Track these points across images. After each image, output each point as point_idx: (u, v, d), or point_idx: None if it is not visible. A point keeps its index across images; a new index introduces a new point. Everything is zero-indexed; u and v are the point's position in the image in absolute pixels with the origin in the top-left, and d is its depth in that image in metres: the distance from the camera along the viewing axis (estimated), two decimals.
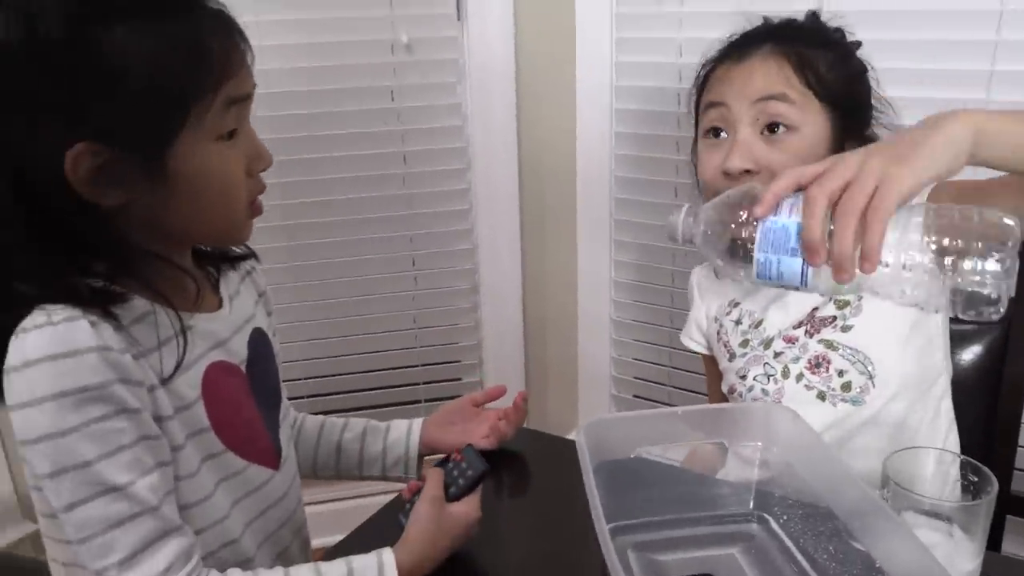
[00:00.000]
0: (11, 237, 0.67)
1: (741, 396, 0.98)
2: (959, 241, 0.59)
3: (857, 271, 0.61)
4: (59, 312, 0.64)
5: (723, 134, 0.96)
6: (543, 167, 1.75)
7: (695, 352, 1.12)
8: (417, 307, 1.80)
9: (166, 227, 0.72)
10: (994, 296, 0.58)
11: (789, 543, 0.78)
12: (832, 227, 0.61)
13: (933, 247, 0.60)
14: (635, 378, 1.83)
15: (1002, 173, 0.74)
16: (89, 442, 0.65)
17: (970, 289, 0.59)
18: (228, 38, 0.70)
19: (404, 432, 0.99)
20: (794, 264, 0.62)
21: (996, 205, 0.70)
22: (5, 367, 0.65)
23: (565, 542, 0.86)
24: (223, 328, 0.81)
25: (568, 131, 1.71)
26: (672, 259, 1.68)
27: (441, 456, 0.89)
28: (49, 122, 0.64)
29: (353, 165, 1.67)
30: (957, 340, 1.07)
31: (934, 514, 0.71)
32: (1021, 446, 1.14)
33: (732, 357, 1.01)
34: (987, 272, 0.58)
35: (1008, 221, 0.60)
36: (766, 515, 0.81)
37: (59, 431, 0.64)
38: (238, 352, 0.82)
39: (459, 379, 1.88)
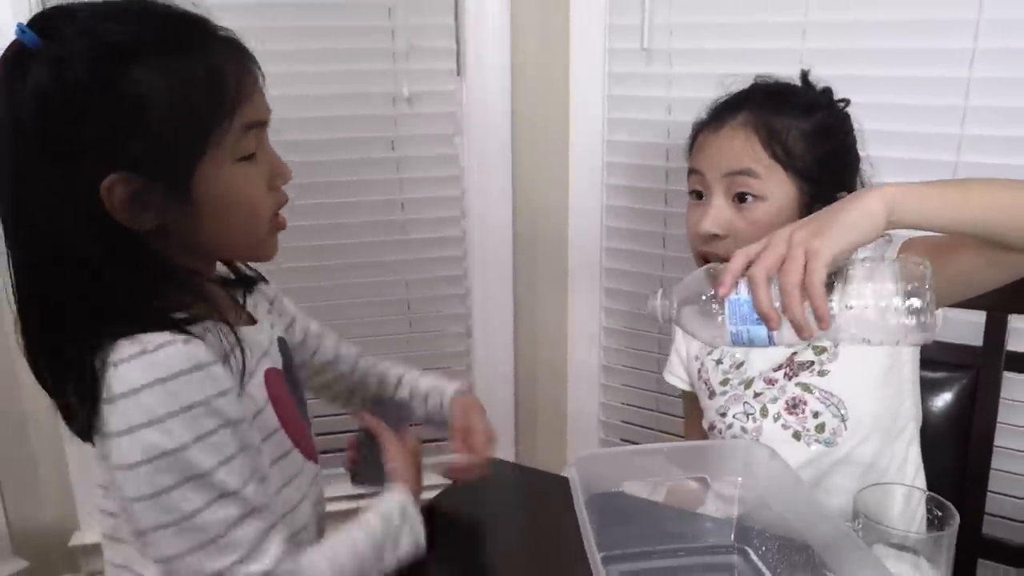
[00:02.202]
0: (79, 275, 0.72)
1: (721, 433, 1.04)
2: (894, 284, 0.69)
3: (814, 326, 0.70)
4: (151, 339, 0.70)
5: (702, 196, 1.04)
6: (537, 216, 1.82)
7: (676, 387, 1.17)
8: (411, 350, 1.85)
9: (200, 246, 0.79)
10: (928, 323, 0.69)
11: (768, 573, 0.82)
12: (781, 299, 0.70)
13: (872, 293, 0.70)
14: (623, 422, 1.88)
15: None
16: (207, 453, 0.71)
17: (907, 320, 0.69)
18: (240, 64, 0.76)
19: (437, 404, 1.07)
20: (760, 330, 0.71)
21: (960, 256, 0.78)
22: (107, 397, 0.69)
23: (555, 570, 0.90)
24: (264, 339, 0.88)
25: (561, 182, 1.78)
26: None
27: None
28: (83, 159, 0.70)
29: (354, 211, 1.73)
30: (928, 388, 1.12)
31: (901, 546, 0.76)
32: (991, 491, 1.19)
33: (712, 395, 1.06)
34: (916, 305, 0.68)
35: (921, 264, 0.70)
36: (746, 547, 0.86)
37: (180, 446, 0.70)
38: (277, 360, 0.89)
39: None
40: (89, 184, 0.70)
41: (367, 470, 0.96)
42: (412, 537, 0.87)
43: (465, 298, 1.85)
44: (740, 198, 1.00)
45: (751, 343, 0.72)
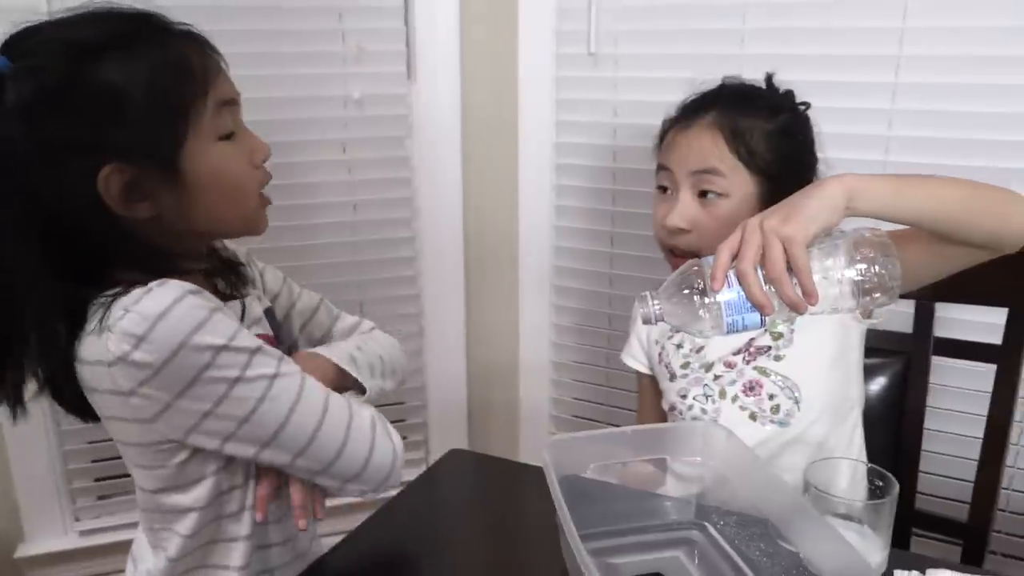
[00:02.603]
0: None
1: (681, 413, 1.09)
2: (859, 254, 0.77)
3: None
4: (150, 285, 0.75)
5: (669, 190, 1.10)
6: (487, 217, 1.86)
7: (633, 370, 1.23)
8: None
9: (193, 229, 0.83)
10: (895, 285, 0.77)
11: (725, 545, 0.88)
12: (771, 286, 0.76)
13: (849, 268, 0.77)
14: (573, 416, 1.93)
15: None
16: (248, 337, 0.78)
17: (882, 284, 0.76)
18: (202, 50, 0.82)
19: None
20: (754, 316, 0.78)
21: (909, 249, 0.85)
22: (140, 333, 0.73)
23: (524, 551, 0.94)
24: (256, 308, 0.94)
25: (510, 183, 1.83)
26: (609, 303, 1.80)
27: None
28: (75, 156, 0.75)
29: (306, 213, 1.74)
30: (865, 373, 1.20)
31: (847, 516, 0.82)
32: (922, 471, 1.28)
33: (673, 377, 1.12)
34: (892, 272, 0.76)
35: (878, 232, 0.78)
36: (705, 523, 0.91)
37: (231, 335, 0.76)
38: (267, 328, 0.94)
39: (403, 420, 1.94)
40: (86, 179, 0.75)
41: None
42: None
43: (417, 298, 1.88)
44: (704, 195, 1.06)
45: (745, 328, 0.78)
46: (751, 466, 0.86)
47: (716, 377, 1.09)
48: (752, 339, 1.07)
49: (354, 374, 0.92)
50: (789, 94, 1.12)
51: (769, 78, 1.13)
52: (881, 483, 0.85)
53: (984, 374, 1.19)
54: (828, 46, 1.45)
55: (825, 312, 0.77)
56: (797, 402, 1.03)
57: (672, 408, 1.11)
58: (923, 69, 1.38)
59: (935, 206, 0.83)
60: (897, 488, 0.82)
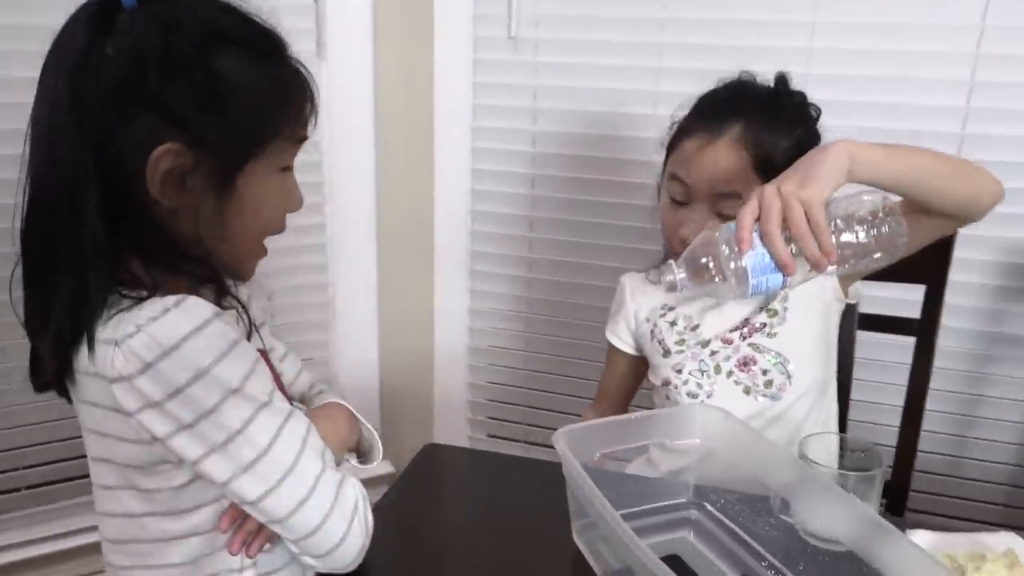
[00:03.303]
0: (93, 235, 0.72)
1: (676, 388, 1.12)
2: (866, 210, 0.83)
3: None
4: (168, 300, 0.70)
5: (684, 201, 1.08)
6: (401, 202, 1.82)
7: (616, 348, 1.24)
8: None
9: (203, 241, 0.76)
10: (902, 243, 0.84)
11: (728, 522, 0.91)
12: (795, 246, 0.80)
13: (861, 228, 0.83)
14: (489, 400, 1.94)
15: None
16: (259, 381, 0.73)
17: (892, 243, 0.83)
18: (308, 84, 0.81)
19: None
20: (777, 277, 0.82)
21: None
22: (149, 360, 0.68)
23: (526, 541, 0.94)
24: (257, 313, 0.90)
25: (426, 167, 1.79)
26: (528, 287, 1.81)
27: None
28: (151, 118, 0.71)
29: None
30: None
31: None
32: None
33: (667, 354, 1.15)
34: (899, 230, 0.83)
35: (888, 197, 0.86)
36: (704, 503, 0.95)
37: (243, 377, 0.71)
38: (259, 343, 0.89)
39: None
40: (143, 145, 0.71)
41: None
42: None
43: (327, 287, 1.81)
44: (724, 218, 1.04)
45: (767, 290, 0.83)
46: (752, 440, 0.89)
47: (712, 353, 1.12)
48: (748, 317, 1.12)
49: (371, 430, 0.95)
50: (804, 100, 1.11)
51: (785, 79, 1.11)
52: (863, 454, 0.91)
53: (904, 347, 1.29)
54: (745, 37, 1.51)
55: (838, 271, 0.84)
56: (789, 377, 1.08)
57: (666, 383, 1.14)
58: (834, 63, 1.48)
59: (919, 174, 0.90)
60: (884, 461, 0.88)
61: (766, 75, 1.13)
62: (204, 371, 0.69)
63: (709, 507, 0.94)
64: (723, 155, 1.03)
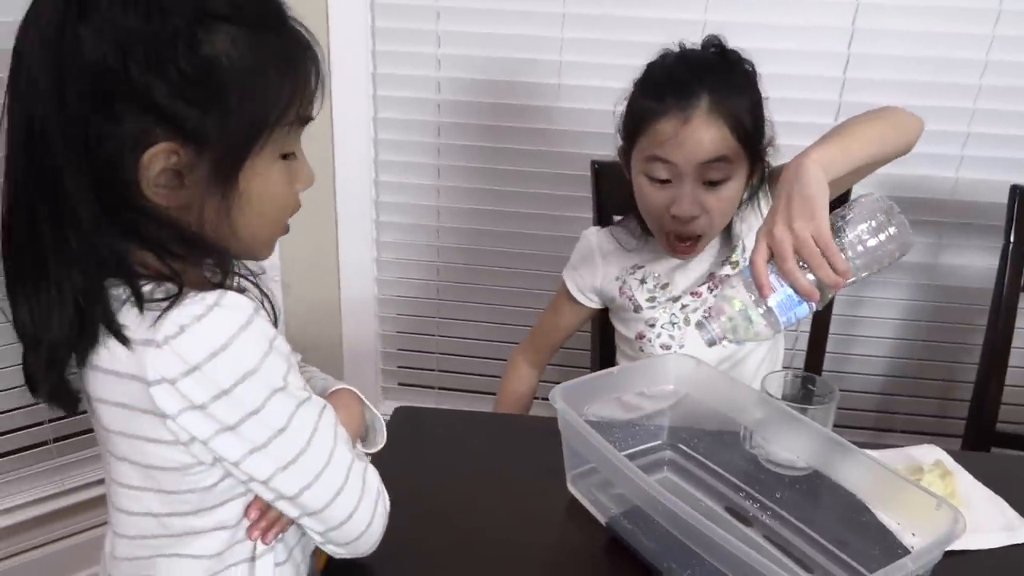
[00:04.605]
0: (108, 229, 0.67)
1: (650, 341, 1.20)
2: (871, 220, 0.87)
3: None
4: (208, 297, 0.66)
5: (669, 180, 1.11)
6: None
7: (574, 298, 1.29)
8: None
9: (207, 233, 0.71)
10: (907, 229, 0.88)
11: (703, 459, 1.01)
12: (813, 276, 0.85)
13: (869, 238, 0.87)
14: (400, 350, 1.94)
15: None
16: (295, 376, 0.71)
17: (902, 241, 0.88)
18: (312, 60, 0.73)
19: None
20: (803, 308, 0.87)
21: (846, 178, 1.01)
22: (195, 362, 0.65)
23: (523, 497, 0.98)
24: (277, 295, 0.83)
25: (323, 120, 1.72)
26: (437, 235, 1.82)
27: None
28: (139, 115, 0.65)
29: None
30: None
31: None
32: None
33: (638, 309, 1.22)
34: (904, 228, 0.87)
35: (873, 195, 0.90)
36: (679, 444, 1.03)
37: (284, 374, 0.70)
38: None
39: None
40: (133, 141, 0.66)
41: None
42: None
43: None
44: (712, 183, 1.09)
45: (798, 321, 0.88)
46: (724, 383, 0.98)
47: (683, 307, 1.20)
48: (713, 272, 1.20)
49: (375, 413, 0.93)
50: (744, 59, 1.15)
51: (722, 45, 1.15)
52: (814, 388, 1.01)
53: None
54: (643, 34, 1.45)
55: (858, 280, 0.88)
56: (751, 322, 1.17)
57: (640, 336, 1.21)
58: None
59: (871, 149, 0.98)
60: (837, 392, 0.99)
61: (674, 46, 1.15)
62: (252, 371, 0.67)
63: (683, 447, 1.02)
64: (702, 130, 1.08)
